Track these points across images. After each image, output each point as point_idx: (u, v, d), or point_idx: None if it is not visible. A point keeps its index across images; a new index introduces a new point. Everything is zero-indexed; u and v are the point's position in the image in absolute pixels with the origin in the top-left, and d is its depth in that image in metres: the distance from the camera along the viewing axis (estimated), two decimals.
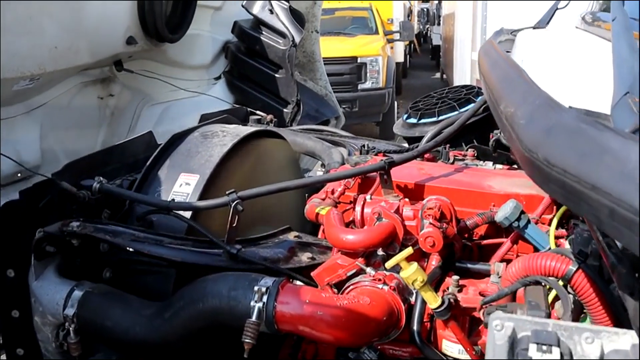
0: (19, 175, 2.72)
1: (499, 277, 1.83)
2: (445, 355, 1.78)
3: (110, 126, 3.61)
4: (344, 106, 7.84)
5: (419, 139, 3.08)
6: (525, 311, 1.33)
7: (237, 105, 4.16)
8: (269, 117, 3.70)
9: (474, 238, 2.10)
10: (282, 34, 4.28)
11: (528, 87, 1.17)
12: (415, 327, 1.76)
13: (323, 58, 5.27)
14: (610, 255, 0.94)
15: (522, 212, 1.88)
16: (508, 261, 1.97)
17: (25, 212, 2.02)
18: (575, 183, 0.77)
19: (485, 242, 2.07)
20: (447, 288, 1.84)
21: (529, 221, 1.87)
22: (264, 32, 4.35)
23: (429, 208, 1.92)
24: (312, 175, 3.28)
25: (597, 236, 1.06)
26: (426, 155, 2.64)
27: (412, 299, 1.83)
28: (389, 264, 1.67)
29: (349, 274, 1.88)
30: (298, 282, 2.00)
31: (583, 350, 0.86)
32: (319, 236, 2.28)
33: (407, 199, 2.08)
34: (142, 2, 3.27)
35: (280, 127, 3.75)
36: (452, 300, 1.70)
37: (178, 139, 2.40)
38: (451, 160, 2.69)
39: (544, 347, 0.85)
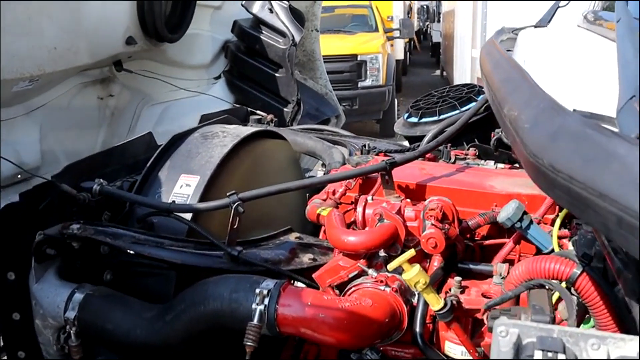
0: (19, 176, 2.71)
1: (502, 278, 1.82)
2: (447, 356, 1.78)
3: (110, 126, 3.60)
4: (344, 104, 7.83)
5: (420, 138, 3.07)
6: (529, 315, 1.32)
7: (237, 105, 4.15)
8: (270, 116, 3.69)
9: (476, 238, 2.09)
10: (282, 33, 4.27)
11: (532, 90, 1.16)
12: (417, 329, 1.76)
13: (323, 56, 5.25)
14: (616, 260, 0.92)
15: (525, 213, 1.87)
16: (510, 262, 1.97)
17: (25, 215, 2.01)
18: (582, 190, 0.75)
19: (487, 242, 2.06)
20: (450, 289, 1.83)
21: (531, 222, 1.87)
22: (263, 32, 4.34)
23: (431, 209, 1.91)
24: (313, 175, 3.27)
25: (602, 240, 1.05)
26: (427, 155, 2.63)
27: (414, 300, 1.82)
28: (391, 266, 1.66)
29: (350, 275, 1.87)
30: (299, 284, 2.00)
31: (589, 356, 0.85)
32: (320, 237, 2.27)
33: (408, 200, 2.07)
34: (141, 2, 3.25)
35: (281, 126, 3.75)
36: (454, 302, 1.69)
37: (178, 139, 2.39)
38: (452, 160, 2.68)
39: (550, 354, 0.84)
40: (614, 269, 0.98)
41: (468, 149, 2.83)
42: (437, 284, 1.87)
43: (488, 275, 1.92)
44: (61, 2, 2.73)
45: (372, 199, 2.06)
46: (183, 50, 3.89)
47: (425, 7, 23.86)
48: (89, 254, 2.02)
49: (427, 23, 24.68)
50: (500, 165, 2.61)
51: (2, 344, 2.09)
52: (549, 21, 2.61)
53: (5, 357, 2.07)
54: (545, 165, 0.86)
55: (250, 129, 2.53)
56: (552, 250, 1.81)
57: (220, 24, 4.36)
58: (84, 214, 2.08)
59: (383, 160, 2.09)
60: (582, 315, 1.47)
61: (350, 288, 1.83)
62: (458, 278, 1.83)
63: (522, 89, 1.24)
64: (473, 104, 3.05)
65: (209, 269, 1.93)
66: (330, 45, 8.91)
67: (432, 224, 1.83)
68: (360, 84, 9.62)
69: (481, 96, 3.09)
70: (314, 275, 1.92)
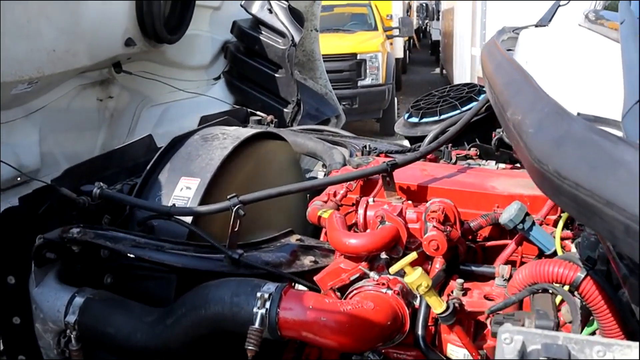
0: (19, 179, 2.70)
1: (504, 280, 1.81)
2: (449, 359, 1.77)
3: (110, 128, 3.58)
4: (343, 103, 7.82)
5: (420, 138, 3.06)
6: (533, 320, 1.31)
7: (237, 106, 4.13)
8: (269, 117, 3.68)
9: (478, 240, 2.08)
10: (281, 34, 4.25)
11: (535, 93, 1.15)
12: (419, 332, 1.75)
13: (322, 55, 5.23)
14: (621, 266, 0.91)
15: (527, 214, 1.86)
16: (513, 263, 1.96)
17: (24, 219, 2.00)
18: (588, 197, 0.74)
19: (489, 243, 2.05)
20: (452, 292, 1.82)
21: (533, 223, 1.86)
22: (263, 32, 4.32)
23: (433, 211, 1.90)
24: (313, 175, 3.26)
25: (607, 245, 1.04)
26: (428, 155, 2.62)
27: (416, 303, 1.81)
28: (393, 269, 1.65)
29: (352, 278, 1.86)
30: (301, 287, 1.99)
31: None
32: (321, 238, 2.26)
33: (410, 201, 2.07)
34: (140, 3, 3.24)
35: (281, 127, 3.73)
36: (456, 304, 1.68)
37: (178, 142, 2.38)
38: (453, 160, 2.68)
39: None
40: (619, 275, 0.97)
41: (469, 149, 2.83)
42: (439, 286, 1.86)
43: (490, 277, 1.91)
44: (60, 3, 2.71)
45: (374, 201, 2.05)
46: (182, 51, 3.88)
47: (424, 5, 23.82)
48: (89, 257, 2.01)
49: (427, 21, 24.64)
50: (502, 165, 2.61)
51: (2, 347, 2.08)
52: (550, 20, 2.60)
53: None
54: (551, 172, 0.85)
55: (250, 131, 2.52)
56: (555, 252, 1.80)
57: (220, 25, 4.35)
58: (83, 218, 2.07)
59: (384, 162, 2.08)
60: (586, 319, 1.47)
61: (352, 291, 1.83)
62: (460, 280, 1.82)
63: (525, 92, 1.23)
64: (474, 103, 3.05)
65: (209, 272, 1.92)
66: (330, 44, 8.90)
67: (434, 226, 1.83)
68: (359, 83, 9.61)
69: (482, 96, 3.09)
70: (315, 278, 1.91)
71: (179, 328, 1.77)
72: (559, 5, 2.64)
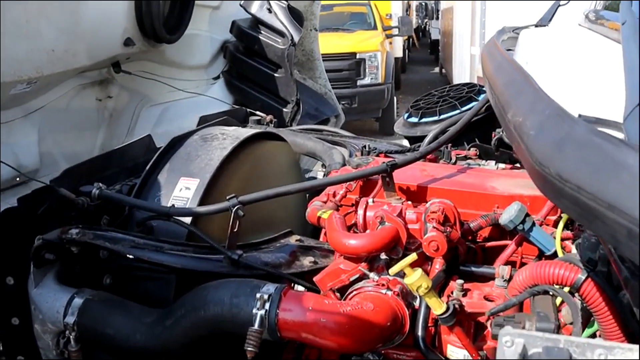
0: (18, 179, 2.70)
1: (504, 281, 1.81)
2: None
3: (109, 128, 3.57)
4: (343, 102, 7.81)
5: (420, 138, 3.06)
6: (534, 322, 1.30)
7: (236, 106, 4.13)
8: (269, 117, 3.67)
9: (478, 240, 2.08)
10: (280, 33, 4.25)
11: (536, 94, 1.14)
12: (419, 333, 1.74)
13: (321, 54, 5.23)
14: (623, 269, 0.91)
15: (527, 215, 1.86)
16: (513, 264, 1.96)
17: (23, 219, 2.00)
18: (590, 201, 0.74)
19: (489, 244, 2.05)
20: (452, 292, 1.82)
21: (533, 224, 1.86)
22: (262, 32, 4.31)
23: (433, 212, 1.90)
24: (313, 175, 3.25)
25: (609, 248, 1.03)
26: (428, 155, 2.61)
27: (416, 304, 1.81)
28: (393, 270, 1.65)
29: (352, 279, 1.86)
30: (300, 288, 1.99)
31: None
32: (321, 239, 2.26)
33: (409, 202, 2.06)
34: (139, 3, 3.23)
35: (280, 127, 3.73)
36: (456, 305, 1.67)
37: (177, 142, 2.38)
38: (453, 160, 2.67)
39: None
40: (620, 277, 0.96)
41: (469, 149, 2.82)
42: (439, 286, 1.86)
43: (490, 277, 1.91)
44: (59, 3, 2.71)
45: (373, 202, 2.05)
46: (181, 51, 3.87)
47: (423, 4, 23.80)
48: (88, 258, 2.01)
49: (426, 20, 24.62)
50: (502, 165, 2.61)
51: (1, 348, 2.07)
52: (550, 20, 2.59)
53: None
54: (552, 174, 0.85)
55: (249, 131, 2.52)
56: (555, 253, 1.80)
57: (219, 24, 4.34)
58: (83, 218, 2.07)
59: (384, 162, 2.08)
60: (587, 320, 1.46)
61: (352, 292, 1.82)
62: (460, 281, 1.82)
63: (526, 93, 1.22)
64: (473, 103, 3.05)
65: (209, 273, 1.92)
66: (329, 43, 8.89)
67: (434, 227, 1.82)
68: (359, 82, 9.60)
69: (482, 96, 3.08)
70: (314, 279, 1.91)
71: (178, 329, 1.77)
72: (559, 5, 2.63)
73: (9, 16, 2.39)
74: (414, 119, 3.32)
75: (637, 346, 0.84)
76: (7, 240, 1.95)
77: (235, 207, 1.94)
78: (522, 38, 2.60)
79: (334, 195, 2.22)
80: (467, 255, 2.01)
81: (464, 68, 9.84)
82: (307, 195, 2.62)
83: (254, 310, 1.65)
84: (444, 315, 1.62)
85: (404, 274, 1.62)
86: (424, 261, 1.92)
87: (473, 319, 1.77)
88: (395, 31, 12.16)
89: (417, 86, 14.87)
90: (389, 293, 1.76)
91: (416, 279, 1.58)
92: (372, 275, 1.82)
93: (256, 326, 1.64)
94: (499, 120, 1.55)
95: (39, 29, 2.62)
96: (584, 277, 1.38)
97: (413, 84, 15.51)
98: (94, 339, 1.89)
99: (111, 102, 3.54)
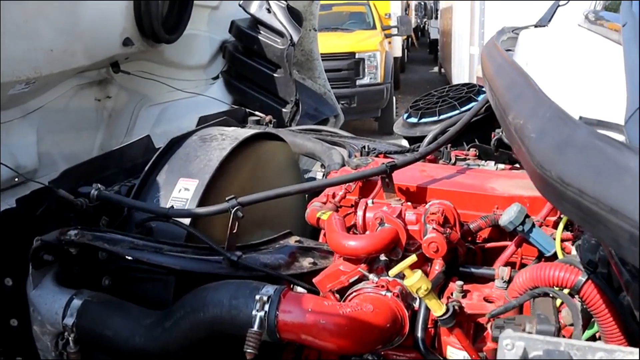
0: (16, 180, 2.69)
1: (504, 282, 1.81)
2: None
3: (108, 128, 3.57)
4: (342, 102, 7.80)
5: (419, 138, 3.06)
6: (534, 325, 1.30)
7: (235, 106, 4.12)
8: (268, 117, 3.67)
9: (478, 241, 2.08)
10: (280, 33, 4.24)
11: (537, 97, 1.14)
12: (419, 334, 1.74)
13: (321, 54, 5.22)
14: (624, 272, 0.91)
15: (527, 216, 1.85)
16: (512, 265, 1.95)
17: (22, 220, 1.99)
18: (592, 205, 0.73)
19: (489, 245, 2.05)
20: (451, 294, 1.81)
21: (533, 225, 1.85)
22: (261, 32, 4.30)
23: (432, 213, 1.89)
24: (312, 176, 3.25)
25: (609, 251, 1.03)
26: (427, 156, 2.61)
27: (416, 305, 1.80)
28: (393, 272, 1.64)
29: (351, 280, 1.85)
30: (300, 289, 1.98)
31: None
32: (320, 240, 2.26)
33: (409, 203, 2.06)
34: (138, 3, 3.22)
35: (280, 127, 3.72)
36: (456, 307, 1.67)
37: (176, 143, 2.37)
38: (453, 161, 2.67)
39: None
40: (621, 280, 0.96)
41: (468, 150, 2.82)
42: (438, 288, 1.86)
43: (490, 278, 1.90)
44: (57, 3, 2.70)
45: (373, 203, 2.04)
46: (180, 51, 3.86)
47: (422, 4, 23.79)
48: (86, 259, 2.00)
49: (425, 20, 24.61)
50: (501, 166, 2.60)
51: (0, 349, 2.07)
52: (549, 20, 2.59)
53: None
54: (554, 178, 0.84)
55: (248, 132, 2.52)
56: (555, 254, 1.79)
57: (218, 24, 4.33)
58: (81, 220, 2.06)
59: (383, 163, 2.08)
60: (587, 322, 1.46)
61: (351, 293, 1.82)
62: (460, 282, 1.82)
63: (527, 95, 1.22)
64: (473, 104, 3.05)
65: (208, 274, 1.91)
66: (328, 43, 8.88)
67: (434, 228, 1.82)
68: (358, 82, 9.59)
69: (481, 96, 3.08)
70: (314, 280, 1.90)
71: (177, 331, 1.76)
72: (559, 5, 2.63)
73: (7, 16, 2.39)
74: (413, 120, 3.32)
75: (638, 349, 0.83)
76: (5, 241, 1.95)
77: (235, 208, 1.94)
78: (522, 38, 2.60)
79: (334, 196, 2.21)
80: (467, 256, 2.01)
81: (463, 67, 9.83)
82: (307, 195, 2.61)
83: (254, 312, 1.65)
84: (444, 317, 1.62)
85: (404, 275, 1.62)
86: (423, 262, 1.92)
87: (473, 320, 1.76)
88: (395, 31, 12.16)
89: (416, 86, 14.87)
90: (389, 294, 1.75)
91: (416, 281, 1.57)
92: (371, 276, 1.81)
93: (255, 328, 1.64)
94: (499, 122, 1.55)
95: (37, 29, 2.62)
96: (584, 279, 1.38)
97: (412, 83, 15.51)
98: (93, 340, 1.88)
99: (110, 102, 3.54)
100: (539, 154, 0.93)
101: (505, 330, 0.92)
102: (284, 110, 4.31)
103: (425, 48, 23.26)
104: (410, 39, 20.36)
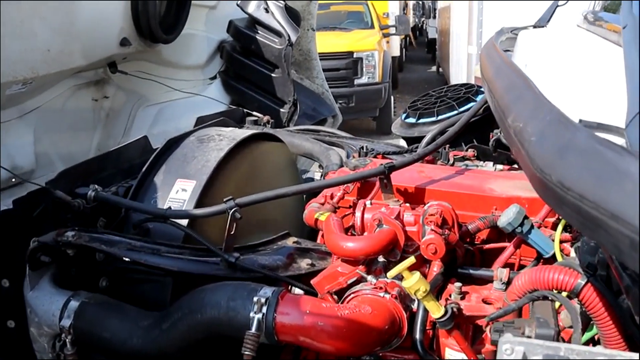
0: (13, 180, 2.68)
1: (502, 283, 1.80)
2: None
3: (105, 128, 3.56)
4: (340, 102, 7.80)
5: (418, 139, 3.06)
6: (533, 328, 1.30)
7: (233, 106, 4.12)
8: (266, 118, 3.66)
9: (476, 242, 2.07)
10: (278, 33, 4.23)
11: (537, 100, 1.13)
12: (417, 336, 1.73)
13: (318, 53, 5.22)
14: (624, 276, 0.90)
15: (526, 217, 1.85)
16: (511, 266, 1.95)
17: (19, 222, 1.99)
18: (593, 210, 0.73)
19: (487, 246, 2.04)
20: (450, 295, 1.81)
21: (532, 226, 1.85)
22: (259, 31, 4.30)
23: (431, 214, 1.88)
24: (310, 176, 3.24)
25: (609, 255, 1.02)
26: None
27: (414, 307, 1.80)
28: (391, 273, 1.64)
29: (349, 282, 1.84)
30: (298, 291, 1.98)
31: None
32: (318, 241, 2.25)
33: (407, 204, 2.05)
34: (135, 3, 3.22)
35: (277, 127, 3.72)
36: (455, 309, 1.67)
37: (174, 143, 2.37)
38: (451, 162, 2.66)
39: None
40: (622, 285, 0.96)
41: (467, 150, 2.82)
42: (437, 289, 1.85)
43: (488, 280, 1.90)
44: (54, 3, 2.69)
45: (371, 204, 2.03)
46: (178, 50, 3.86)
47: (420, 3, 23.79)
48: (84, 261, 1.99)
49: (423, 19, 24.61)
50: (499, 167, 2.60)
51: None
52: (548, 21, 2.58)
53: None
54: (554, 182, 0.84)
55: (246, 132, 2.51)
56: (554, 255, 1.79)
57: (216, 24, 4.33)
58: (78, 221, 2.05)
59: (382, 164, 2.07)
60: (586, 325, 1.45)
61: (349, 295, 1.81)
62: (458, 284, 1.81)
63: (526, 98, 1.21)
64: (471, 104, 3.04)
65: (205, 275, 1.90)
66: (326, 42, 8.88)
67: (432, 230, 1.81)
68: (356, 82, 9.60)
69: (480, 96, 3.08)
70: (312, 282, 1.89)
71: (174, 332, 1.75)
72: (557, 6, 2.62)
73: (3, 16, 2.38)
74: (411, 120, 3.32)
75: (638, 355, 0.83)
76: (2, 242, 1.94)
77: (232, 210, 1.93)
78: (521, 39, 2.59)
79: (332, 197, 2.20)
80: (465, 257, 2.00)
81: (461, 67, 9.83)
82: (304, 196, 2.61)
83: (251, 314, 1.64)
84: (442, 319, 1.61)
85: (402, 277, 1.62)
86: (422, 264, 1.91)
87: (471, 322, 1.76)
88: (393, 30, 12.16)
89: (414, 85, 14.88)
90: (387, 296, 1.74)
91: (414, 283, 1.57)
92: (370, 278, 1.80)
93: (253, 330, 1.63)
94: (498, 124, 1.54)
95: (34, 29, 2.61)
96: (583, 282, 1.37)
97: (410, 82, 15.51)
98: (90, 342, 1.87)
99: (107, 102, 3.53)
100: (539, 158, 0.93)
101: (505, 334, 0.91)
102: (281, 110, 4.31)
103: (423, 47, 23.26)
104: (408, 39, 20.36)
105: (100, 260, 2.01)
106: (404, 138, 3.41)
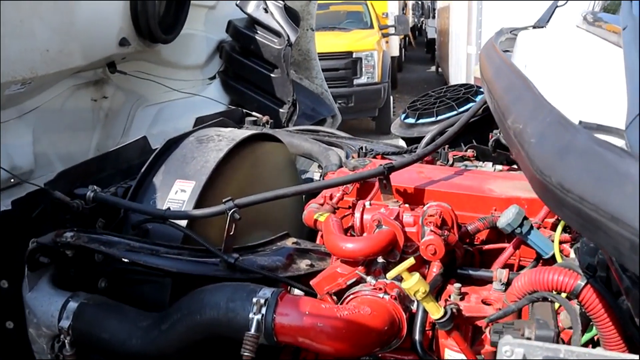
0: (12, 180, 2.68)
1: (502, 284, 1.80)
2: None
3: (105, 128, 3.56)
4: (339, 102, 7.80)
5: (417, 139, 3.05)
6: (533, 330, 1.29)
7: (232, 107, 4.11)
8: (265, 118, 3.66)
9: (475, 243, 2.07)
10: (277, 33, 4.23)
11: (537, 101, 1.13)
12: (417, 337, 1.73)
13: (318, 53, 5.22)
14: (624, 278, 0.90)
15: (525, 218, 1.85)
16: (510, 267, 1.95)
17: (17, 222, 1.98)
18: (593, 212, 0.73)
19: (486, 247, 2.04)
20: (449, 296, 1.80)
21: (531, 227, 1.85)
22: (258, 32, 4.30)
23: (430, 215, 1.88)
24: (309, 177, 3.24)
25: (609, 256, 1.02)
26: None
27: (414, 308, 1.80)
28: (390, 275, 1.63)
29: (349, 282, 1.84)
30: (297, 291, 1.97)
31: None
32: (318, 241, 2.25)
33: (407, 204, 2.05)
34: (134, 3, 3.22)
35: (277, 127, 3.72)
36: (454, 310, 1.66)
37: (173, 144, 2.36)
38: (450, 162, 2.66)
39: None
40: (621, 286, 0.95)
41: (466, 150, 2.82)
42: (436, 290, 1.85)
43: (488, 280, 1.89)
44: (53, 3, 2.69)
45: (370, 204, 2.03)
46: (177, 50, 3.85)
47: (420, 3, 23.79)
48: (83, 261, 1.99)
49: (422, 19, 24.61)
50: (499, 167, 2.60)
51: None
52: (548, 21, 2.58)
53: None
54: (553, 184, 0.83)
55: (245, 133, 2.51)
56: (553, 256, 1.79)
57: (215, 24, 4.32)
58: (77, 221, 2.05)
59: (381, 165, 2.07)
60: (585, 326, 1.45)
61: (349, 296, 1.81)
62: (457, 285, 1.81)
63: (526, 99, 1.21)
64: (471, 104, 3.04)
65: (205, 276, 1.90)
66: (325, 42, 8.89)
67: (432, 231, 1.81)
68: (355, 82, 9.61)
69: (479, 97, 3.08)
70: (311, 283, 1.89)
71: (174, 333, 1.75)
72: (557, 6, 2.62)
73: (3, 16, 2.37)
74: (411, 120, 3.31)
75: (638, 356, 0.83)
76: (1, 243, 1.94)
77: (231, 210, 1.93)
78: (520, 40, 2.59)
79: (331, 197, 2.20)
80: (465, 258, 2.00)
81: (460, 67, 9.83)
82: (304, 197, 2.61)
83: (251, 315, 1.64)
84: (442, 320, 1.61)
85: (402, 278, 1.61)
86: (421, 264, 1.91)
87: (471, 322, 1.76)
88: (392, 30, 12.17)
89: (413, 85, 14.88)
90: (386, 297, 1.74)
91: (414, 284, 1.57)
92: (369, 279, 1.80)
93: (253, 331, 1.63)
94: (498, 125, 1.54)
95: (33, 29, 2.60)
96: (583, 284, 1.37)
97: (409, 82, 15.51)
98: (89, 343, 1.87)
99: (106, 102, 3.53)
100: (538, 160, 0.92)
101: (505, 336, 0.91)
102: (281, 110, 4.31)
103: (422, 47, 23.26)
104: (407, 38, 20.37)
105: (99, 261, 2.01)
106: (403, 138, 3.40)
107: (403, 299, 1.77)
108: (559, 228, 1.78)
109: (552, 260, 1.79)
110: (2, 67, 2.42)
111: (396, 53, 14.43)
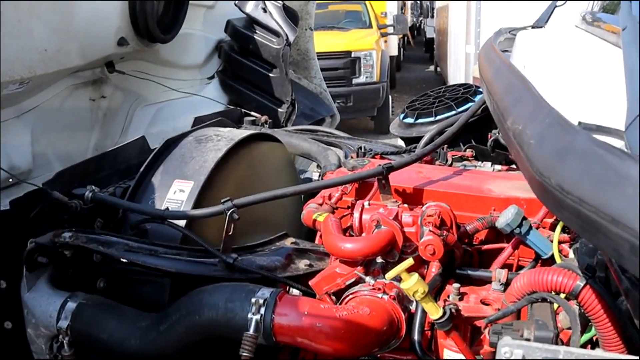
0: (10, 180, 2.67)
1: (501, 284, 1.80)
2: None
3: (103, 128, 3.55)
4: (338, 101, 7.81)
5: (416, 139, 3.05)
6: (532, 331, 1.29)
7: (231, 106, 4.11)
8: (264, 118, 3.66)
9: (474, 243, 2.07)
10: (275, 33, 4.23)
11: (536, 102, 1.13)
12: (416, 337, 1.73)
13: (316, 53, 5.22)
14: (624, 279, 0.90)
15: (524, 218, 1.85)
16: (509, 267, 1.95)
17: (15, 223, 1.98)
18: (592, 214, 0.72)
19: (485, 247, 2.04)
20: (448, 296, 1.80)
21: (530, 227, 1.85)
22: (257, 31, 4.30)
23: (429, 215, 1.88)
24: (308, 176, 3.24)
25: (609, 258, 1.02)
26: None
27: (413, 308, 1.80)
28: (389, 275, 1.63)
29: (347, 282, 1.84)
30: (296, 292, 1.97)
31: None
32: (316, 241, 2.25)
33: (405, 204, 2.05)
34: (133, 2, 3.21)
35: (275, 127, 3.71)
36: (453, 310, 1.66)
37: (171, 144, 2.36)
38: (449, 162, 2.66)
39: None
40: (621, 288, 0.95)
41: (465, 150, 2.81)
42: (435, 290, 1.85)
43: (487, 281, 1.90)
44: (51, 3, 2.68)
45: (369, 204, 2.03)
46: (176, 50, 3.85)
47: (418, 2, 23.79)
48: (81, 262, 1.99)
49: (421, 19, 24.61)
50: (498, 167, 2.60)
51: None
52: (547, 21, 2.58)
53: None
54: (553, 185, 0.83)
55: (244, 132, 2.50)
56: (552, 256, 1.79)
57: (213, 24, 4.32)
58: (76, 222, 2.04)
59: (380, 165, 2.06)
60: (584, 326, 1.45)
61: (348, 296, 1.81)
62: (456, 285, 1.81)
63: (525, 100, 1.21)
64: (470, 104, 3.04)
65: (203, 276, 1.90)
66: (324, 42, 8.88)
67: (430, 231, 1.81)
68: (354, 81, 9.61)
69: (478, 97, 3.08)
70: (310, 283, 1.89)
71: (172, 334, 1.75)
72: (556, 6, 2.62)
73: (0, 16, 2.37)
74: (409, 120, 3.31)
75: (638, 358, 0.83)
76: None
77: (230, 210, 1.93)
78: (519, 40, 2.59)
79: (330, 197, 2.20)
80: (464, 258, 2.00)
81: (459, 66, 9.83)
82: (302, 197, 2.60)
83: (249, 315, 1.64)
84: (441, 320, 1.61)
85: (401, 278, 1.61)
86: (420, 264, 1.91)
87: (470, 323, 1.76)
88: (391, 29, 12.16)
89: (412, 84, 14.89)
90: (385, 297, 1.74)
91: (413, 284, 1.56)
92: (368, 279, 1.80)
93: (251, 331, 1.63)
94: (497, 126, 1.54)
95: (31, 29, 2.60)
96: (582, 284, 1.37)
97: (408, 82, 15.52)
98: (88, 343, 1.87)
99: (105, 102, 3.52)
100: (538, 161, 0.92)
101: (504, 337, 0.91)
102: (279, 110, 4.31)
103: (421, 47, 23.27)
104: (406, 38, 20.38)
105: (97, 261, 2.00)
106: (402, 138, 3.40)
107: (402, 299, 1.77)
108: (558, 228, 1.78)
109: (551, 260, 1.79)
110: (0, 66, 2.42)
111: (395, 52, 14.44)
